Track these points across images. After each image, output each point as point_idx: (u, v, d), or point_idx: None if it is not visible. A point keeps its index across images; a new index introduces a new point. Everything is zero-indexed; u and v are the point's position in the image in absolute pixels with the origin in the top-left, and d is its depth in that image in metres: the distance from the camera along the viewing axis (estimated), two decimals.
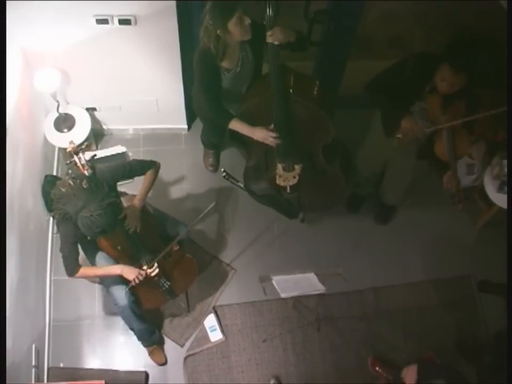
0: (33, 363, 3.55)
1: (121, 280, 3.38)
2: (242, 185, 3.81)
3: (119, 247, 3.33)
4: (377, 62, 3.42)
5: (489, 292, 4.12)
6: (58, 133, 4.08)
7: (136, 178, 3.37)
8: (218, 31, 3.08)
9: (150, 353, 3.85)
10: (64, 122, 4.08)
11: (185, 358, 3.89)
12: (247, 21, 3.06)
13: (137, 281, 3.26)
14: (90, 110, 4.23)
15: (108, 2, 3.30)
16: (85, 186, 2.89)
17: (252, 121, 3.42)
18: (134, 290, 3.42)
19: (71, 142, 3.14)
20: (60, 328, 3.92)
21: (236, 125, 3.44)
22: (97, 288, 3.97)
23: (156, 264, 3.40)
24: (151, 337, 3.78)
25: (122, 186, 3.62)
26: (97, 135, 4.48)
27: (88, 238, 3.15)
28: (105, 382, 3.43)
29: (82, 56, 3.72)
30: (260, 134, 3.38)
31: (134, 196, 3.40)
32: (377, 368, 3.86)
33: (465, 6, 3.64)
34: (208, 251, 4.18)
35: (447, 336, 4.01)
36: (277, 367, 3.92)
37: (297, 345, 3.97)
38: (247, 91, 3.49)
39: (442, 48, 3.07)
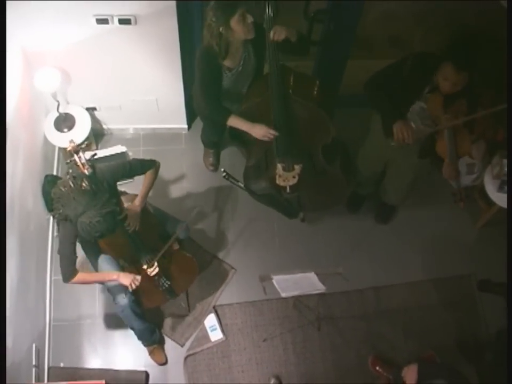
0: (34, 363, 3.55)
1: None
2: (242, 185, 3.81)
3: (119, 247, 3.32)
4: (377, 62, 3.41)
5: (489, 291, 4.12)
6: (59, 132, 4.08)
7: (136, 178, 3.37)
8: (221, 29, 3.09)
9: (150, 353, 3.85)
10: (64, 122, 4.08)
11: (186, 358, 3.89)
12: (250, 19, 3.07)
13: (133, 286, 3.24)
14: (91, 110, 4.23)
15: (108, 2, 3.30)
16: (85, 185, 2.88)
17: (252, 121, 3.42)
18: (134, 289, 3.42)
19: (71, 141, 3.14)
20: (60, 328, 3.92)
21: (235, 121, 3.44)
22: (97, 287, 3.97)
23: (155, 264, 3.40)
24: (152, 336, 3.78)
25: (122, 186, 3.62)
26: (97, 135, 4.48)
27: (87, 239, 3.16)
28: (106, 381, 3.43)
29: (82, 56, 3.72)
30: (259, 131, 3.38)
31: (135, 195, 3.40)
32: (377, 368, 3.86)
33: (465, 6, 3.63)
34: (208, 250, 4.19)
35: (448, 335, 4.02)
36: (277, 366, 3.92)
37: (298, 345, 3.97)
38: (248, 91, 3.49)
39: (443, 47, 3.07)
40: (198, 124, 4.42)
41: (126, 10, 3.36)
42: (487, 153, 3.89)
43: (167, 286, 3.53)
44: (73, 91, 4.05)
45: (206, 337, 3.94)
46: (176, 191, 4.40)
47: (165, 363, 3.87)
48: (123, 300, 3.40)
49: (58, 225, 3.20)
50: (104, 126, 4.50)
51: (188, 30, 3.66)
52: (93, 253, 3.43)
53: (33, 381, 3.50)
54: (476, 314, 4.11)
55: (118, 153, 4.21)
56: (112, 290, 3.43)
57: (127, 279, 3.24)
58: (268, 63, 3.20)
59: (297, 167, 3.65)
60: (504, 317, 3.62)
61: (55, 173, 4.29)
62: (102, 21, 3.40)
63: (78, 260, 3.11)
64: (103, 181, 3.03)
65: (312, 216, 4.31)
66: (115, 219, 2.91)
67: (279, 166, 3.66)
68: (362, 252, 4.24)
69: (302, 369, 3.92)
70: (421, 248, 4.28)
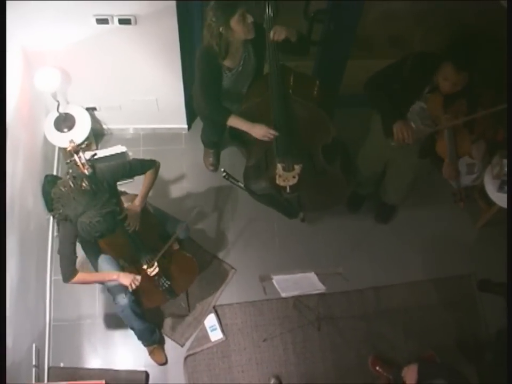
0: (34, 363, 3.55)
1: None
2: (242, 185, 3.81)
3: (119, 247, 3.32)
4: (377, 62, 3.41)
5: (489, 291, 4.12)
6: (59, 132, 4.08)
7: (136, 178, 3.37)
8: (221, 29, 3.09)
9: (150, 353, 3.85)
10: (64, 122, 4.08)
11: (186, 358, 3.89)
12: (250, 19, 3.07)
13: (133, 286, 3.24)
14: (91, 110, 4.23)
15: (108, 2, 3.30)
16: (85, 185, 2.88)
17: (252, 121, 3.42)
18: (134, 289, 3.41)
19: (71, 141, 3.14)
20: (60, 328, 3.92)
21: (235, 121, 3.45)
22: (97, 287, 3.97)
23: (156, 264, 3.40)
24: (152, 336, 3.78)
25: (122, 186, 3.62)
26: (97, 135, 4.48)
27: (87, 239, 3.16)
28: (106, 381, 3.43)
29: (82, 56, 3.72)
30: (259, 131, 3.38)
31: (135, 195, 3.40)
32: (377, 368, 3.86)
33: (466, 6, 3.63)
34: (208, 250, 4.19)
35: (448, 335, 4.02)
36: (277, 366, 3.92)
37: (298, 345, 3.97)
38: (248, 91, 3.49)
39: (443, 47, 3.07)
40: (198, 124, 4.43)
41: (126, 10, 3.36)
42: (487, 153, 3.89)
43: (167, 286, 3.53)
44: (73, 91, 4.05)
45: (206, 337, 3.94)
46: (176, 191, 4.40)
47: (165, 363, 3.87)
48: (123, 300, 3.40)
49: (58, 225, 3.20)
50: (104, 126, 4.50)
51: (188, 30, 3.66)
52: (93, 253, 3.43)
53: (33, 381, 3.50)
54: (476, 314, 4.11)
55: (118, 153, 4.21)
56: (112, 290, 3.43)
57: (127, 279, 3.24)
58: (268, 63, 3.20)
59: (297, 167, 3.65)
60: (504, 316, 3.61)
61: (55, 173, 4.29)
62: (102, 21, 3.40)
63: (78, 260, 3.11)
64: (103, 181, 3.03)
65: (312, 216, 4.31)
66: (115, 219, 2.91)
67: (279, 166, 3.66)
68: (362, 251, 4.24)
69: (302, 369, 3.92)
70: (421, 248, 4.28)
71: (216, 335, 3.94)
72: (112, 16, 3.38)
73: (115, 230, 2.96)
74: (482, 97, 3.23)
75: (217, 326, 3.95)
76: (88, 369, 3.82)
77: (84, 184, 2.88)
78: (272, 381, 3.85)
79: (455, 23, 3.76)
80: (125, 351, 3.90)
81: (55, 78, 3.72)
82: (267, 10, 3.02)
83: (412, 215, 4.37)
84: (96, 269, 3.45)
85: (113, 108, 4.28)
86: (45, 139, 4.09)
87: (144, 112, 4.34)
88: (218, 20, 3.05)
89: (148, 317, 3.70)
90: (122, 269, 3.41)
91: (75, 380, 3.61)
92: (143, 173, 3.30)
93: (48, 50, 3.66)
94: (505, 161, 3.76)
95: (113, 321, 3.91)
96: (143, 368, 3.83)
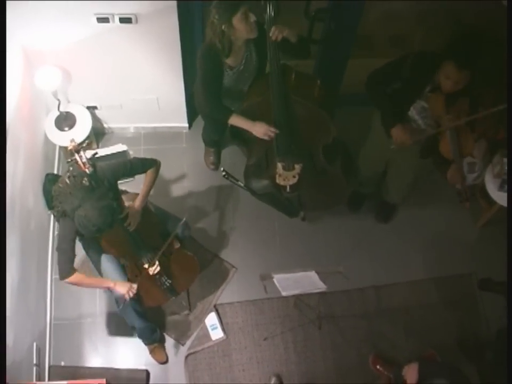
0: (34, 361, 3.56)
1: (123, 278, 3.39)
2: (242, 184, 3.80)
3: (120, 246, 3.33)
4: (378, 61, 3.41)
5: (490, 290, 4.12)
6: (59, 131, 4.07)
7: (137, 177, 3.38)
8: (223, 27, 3.09)
9: (151, 352, 3.85)
10: (65, 120, 4.08)
11: (186, 357, 3.89)
12: (252, 17, 3.07)
13: (131, 294, 3.24)
14: (91, 109, 4.23)
15: (109, 1, 3.30)
16: (85, 182, 2.89)
17: (253, 120, 3.42)
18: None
19: (72, 141, 3.14)
20: (61, 327, 3.93)
21: (236, 120, 3.45)
22: None
23: (157, 262, 3.40)
24: (152, 335, 3.78)
25: (123, 185, 3.62)
26: (98, 134, 4.48)
27: (86, 236, 3.16)
28: (106, 380, 3.41)
29: (83, 55, 3.72)
30: (260, 129, 3.38)
31: (136, 194, 3.40)
32: (378, 367, 3.86)
33: (466, 6, 3.63)
34: (209, 249, 4.19)
35: (448, 334, 4.02)
36: (278, 365, 3.92)
37: (299, 344, 3.97)
38: (249, 90, 3.49)
39: (444, 46, 3.07)
40: (199, 122, 4.43)
41: (126, 9, 3.35)
42: (488, 152, 3.88)
43: (168, 284, 3.53)
44: (74, 90, 4.05)
45: (206, 336, 3.94)
46: (177, 190, 4.40)
47: (166, 362, 3.88)
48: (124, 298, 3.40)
49: (58, 222, 3.19)
50: (105, 125, 4.49)
51: (189, 29, 3.66)
52: (94, 252, 3.43)
53: (34, 380, 3.50)
54: (476, 313, 4.11)
55: (118, 152, 4.21)
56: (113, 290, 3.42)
57: (124, 288, 3.24)
58: (269, 62, 3.20)
59: (298, 167, 3.65)
60: (504, 315, 3.61)
61: (55, 172, 4.29)
62: (103, 20, 3.40)
63: (79, 259, 3.11)
64: (104, 179, 3.03)
65: (313, 215, 4.31)
66: (112, 213, 2.88)
67: (279, 165, 3.66)
68: (363, 250, 4.24)
69: (302, 368, 3.92)
70: (421, 247, 4.27)
71: (217, 333, 3.94)
72: (113, 15, 3.38)
73: (113, 225, 2.92)
74: (483, 96, 3.23)
75: (218, 324, 3.95)
76: (89, 368, 3.83)
77: (83, 182, 2.88)
78: (273, 380, 3.85)
79: (456, 23, 3.76)
80: (126, 349, 3.90)
81: (56, 77, 3.72)
82: (268, 9, 3.02)
83: (413, 214, 4.36)
84: (97, 268, 3.45)
85: (114, 107, 4.27)
86: (46, 138, 4.09)
87: (145, 111, 4.34)
88: (221, 18, 3.06)
89: (149, 315, 3.71)
90: (123, 267, 3.42)
91: (76, 378, 3.60)
92: (143, 171, 3.30)
93: (48, 49, 3.66)
94: (506, 160, 3.75)
95: (114, 320, 3.92)
96: (144, 367, 3.83)
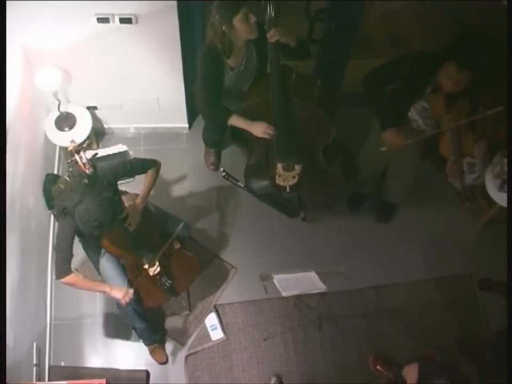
0: (34, 362, 3.56)
1: (123, 278, 3.39)
2: (242, 185, 3.80)
3: (120, 246, 3.32)
4: (378, 61, 3.41)
5: (490, 290, 4.12)
6: (59, 131, 4.07)
7: (137, 177, 3.37)
8: (224, 27, 3.09)
9: (151, 352, 3.85)
10: (65, 121, 4.08)
11: (186, 357, 3.89)
12: (253, 18, 3.08)
13: (127, 299, 3.23)
14: (91, 109, 4.23)
15: (109, 1, 3.30)
16: (85, 182, 2.88)
17: (253, 120, 3.42)
18: (136, 289, 3.42)
19: (72, 141, 3.15)
20: (61, 327, 3.93)
21: (235, 120, 3.45)
22: None
23: (157, 263, 3.40)
24: (152, 336, 3.78)
25: (123, 185, 3.62)
26: (98, 134, 4.48)
27: (87, 236, 3.15)
28: (106, 380, 3.41)
29: (83, 55, 3.72)
30: (259, 129, 3.39)
31: (136, 194, 3.40)
32: (378, 367, 3.86)
33: (467, 6, 3.63)
34: (209, 249, 4.19)
35: (448, 334, 4.01)
36: (278, 365, 3.92)
37: (299, 344, 3.97)
38: (249, 90, 3.50)
39: (445, 46, 3.07)
40: (199, 123, 4.43)
41: (127, 9, 3.35)
42: (488, 152, 3.88)
43: (168, 285, 3.53)
44: (74, 90, 4.05)
45: (206, 336, 3.94)
46: (177, 190, 4.40)
47: (166, 362, 3.87)
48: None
49: (57, 221, 3.18)
50: (105, 125, 4.50)
51: (189, 29, 3.66)
52: (94, 252, 3.43)
53: (34, 380, 3.50)
54: (476, 313, 4.11)
55: (119, 153, 4.21)
56: None
57: (120, 293, 3.23)
58: (269, 63, 3.20)
59: (298, 167, 3.65)
60: (505, 316, 3.61)
61: (56, 172, 4.29)
62: (103, 20, 3.40)
63: (79, 259, 3.11)
64: (104, 179, 3.03)
65: (313, 216, 4.31)
66: (112, 206, 2.87)
67: (279, 165, 3.66)
68: (363, 251, 4.24)
69: (302, 368, 3.92)
70: (421, 247, 4.27)
71: (217, 334, 3.94)
72: (113, 15, 3.38)
73: (113, 221, 2.91)
74: (484, 96, 3.23)
75: (218, 325, 3.95)
76: (89, 368, 3.83)
77: (84, 181, 2.88)
78: (273, 380, 3.85)
79: (457, 23, 3.76)
80: (126, 350, 3.90)
81: (56, 77, 3.72)
82: (268, 10, 3.02)
83: (413, 214, 4.36)
84: (97, 268, 3.46)
85: (114, 107, 4.27)
86: (46, 138, 4.09)
87: (145, 111, 4.34)
88: (222, 18, 3.06)
89: (149, 316, 3.70)
90: (123, 268, 3.42)
91: (76, 379, 3.60)
92: (144, 172, 3.29)
93: (49, 49, 3.66)
94: (506, 160, 3.75)
95: (114, 320, 3.92)
96: (144, 367, 3.83)
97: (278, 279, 3.21)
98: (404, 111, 3.43)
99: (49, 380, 3.70)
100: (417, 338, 3.99)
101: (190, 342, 3.94)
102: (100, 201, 2.78)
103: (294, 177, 3.70)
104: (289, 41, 3.13)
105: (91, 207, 2.76)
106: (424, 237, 4.31)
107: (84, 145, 3.55)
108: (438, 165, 3.74)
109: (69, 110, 4.10)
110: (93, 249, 3.42)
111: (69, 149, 3.08)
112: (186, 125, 4.57)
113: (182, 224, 3.41)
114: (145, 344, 3.82)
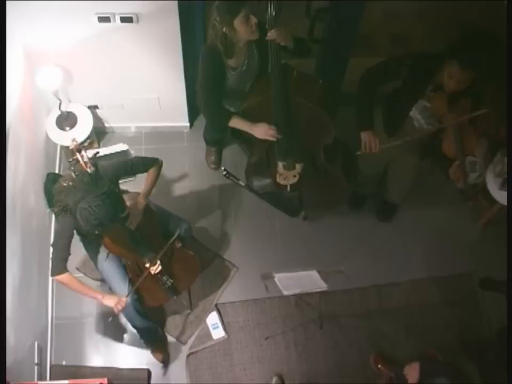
0: (36, 361, 3.56)
1: (124, 277, 3.39)
2: (243, 184, 3.80)
3: (121, 245, 3.32)
4: (380, 60, 3.41)
5: (491, 289, 4.12)
6: (61, 131, 4.07)
7: (138, 176, 3.38)
8: (224, 29, 3.09)
9: (153, 351, 3.85)
10: (66, 120, 4.08)
11: (188, 356, 3.89)
12: (254, 20, 3.07)
13: (119, 307, 3.22)
14: (92, 108, 4.23)
15: (110, 1, 3.30)
16: (87, 180, 2.89)
17: (254, 120, 3.42)
18: (137, 288, 3.42)
19: (74, 140, 3.15)
20: (62, 326, 3.93)
21: (236, 123, 3.45)
22: (98, 285, 3.97)
23: (158, 262, 3.40)
24: (154, 335, 3.78)
25: (124, 184, 3.63)
26: (99, 133, 4.48)
27: (88, 235, 3.15)
28: (108, 379, 3.40)
29: (84, 54, 3.72)
30: (260, 131, 3.38)
31: (137, 193, 3.40)
32: (379, 366, 3.86)
33: (468, 5, 3.63)
34: (210, 249, 4.19)
35: (450, 333, 4.02)
36: (279, 364, 3.92)
37: (300, 343, 3.97)
38: (250, 89, 3.49)
39: (447, 46, 3.07)
40: (200, 122, 4.43)
41: (128, 8, 3.35)
42: (489, 151, 3.88)
43: (169, 284, 3.53)
44: (75, 89, 4.05)
45: (208, 335, 3.94)
46: (178, 189, 4.40)
47: (167, 361, 3.88)
48: (126, 298, 3.40)
49: (57, 219, 3.17)
50: (106, 124, 4.50)
51: (190, 28, 3.65)
52: (95, 251, 3.43)
53: (36, 379, 3.50)
54: (478, 312, 4.11)
55: (120, 152, 4.20)
56: (114, 289, 3.42)
57: (112, 301, 3.22)
58: (270, 63, 3.20)
59: (298, 166, 3.66)
60: (506, 315, 3.62)
61: (57, 171, 4.29)
62: (104, 19, 3.40)
63: (79, 259, 3.10)
64: (105, 178, 3.02)
65: (314, 215, 4.30)
66: (114, 205, 2.88)
67: (280, 164, 3.67)
68: (364, 250, 4.23)
69: (303, 367, 3.92)
70: (422, 246, 4.28)
71: (218, 333, 3.94)
72: (114, 15, 3.38)
73: (115, 219, 2.92)
74: (486, 95, 3.23)
75: (219, 324, 3.95)
76: (90, 367, 3.83)
77: (85, 180, 2.88)
78: (274, 379, 3.86)
79: (458, 22, 3.75)
80: (127, 349, 3.91)
81: (57, 76, 3.72)
82: (269, 9, 3.02)
83: (414, 214, 4.36)
84: (97, 267, 3.45)
85: (115, 106, 4.28)
86: (47, 137, 4.10)
87: (146, 110, 4.34)
88: (222, 20, 3.05)
89: (150, 315, 3.70)
90: (124, 267, 3.42)
91: (77, 378, 3.60)
92: (145, 170, 3.30)
93: (49, 48, 3.66)
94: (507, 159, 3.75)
95: (115, 319, 3.90)
96: (145, 366, 3.84)
97: (279, 278, 3.21)
98: (405, 111, 3.43)
99: (50, 379, 3.70)
100: (418, 337, 3.98)
101: (191, 341, 3.94)
102: (101, 200, 2.78)
103: (294, 176, 3.71)
104: (286, 43, 3.14)
105: (92, 205, 2.76)
106: (425, 236, 4.31)
107: (85, 144, 3.56)
108: (437, 165, 3.74)
109: (70, 109, 4.10)
110: (94, 248, 3.42)
111: (70, 147, 3.08)
112: (187, 124, 4.57)
113: (185, 222, 3.41)
114: (147, 343, 3.83)
